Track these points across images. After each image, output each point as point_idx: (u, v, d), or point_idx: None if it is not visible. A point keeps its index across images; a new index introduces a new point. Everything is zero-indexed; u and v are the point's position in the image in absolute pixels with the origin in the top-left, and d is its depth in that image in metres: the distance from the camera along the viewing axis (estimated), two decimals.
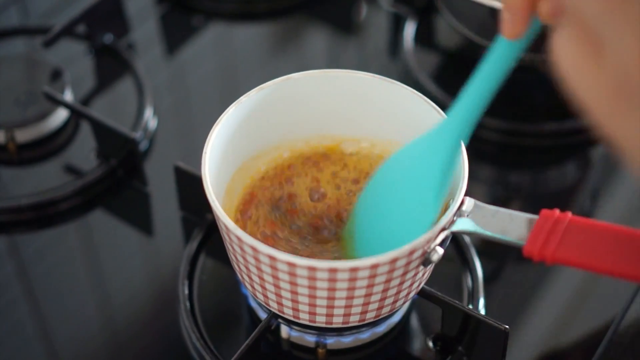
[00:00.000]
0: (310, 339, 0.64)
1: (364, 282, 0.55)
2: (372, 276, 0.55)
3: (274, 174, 0.67)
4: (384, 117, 0.66)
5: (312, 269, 0.54)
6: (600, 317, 0.68)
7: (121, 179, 0.79)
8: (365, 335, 0.65)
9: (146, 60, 0.89)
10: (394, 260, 0.54)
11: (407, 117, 0.64)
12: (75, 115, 0.82)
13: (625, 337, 0.66)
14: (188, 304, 0.67)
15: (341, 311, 0.58)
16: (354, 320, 0.59)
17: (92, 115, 0.78)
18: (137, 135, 0.79)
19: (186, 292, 0.68)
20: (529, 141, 0.82)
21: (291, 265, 0.54)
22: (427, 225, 0.57)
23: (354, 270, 0.54)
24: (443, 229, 0.56)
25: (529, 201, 0.80)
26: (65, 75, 0.83)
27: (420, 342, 0.66)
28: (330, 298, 0.56)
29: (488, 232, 0.56)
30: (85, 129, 0.81)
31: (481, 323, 0.62)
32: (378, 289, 0.56)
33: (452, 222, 0.57)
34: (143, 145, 0.81)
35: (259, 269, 0.57)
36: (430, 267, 0.60)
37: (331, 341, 0.64)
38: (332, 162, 0.68)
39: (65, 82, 0.83)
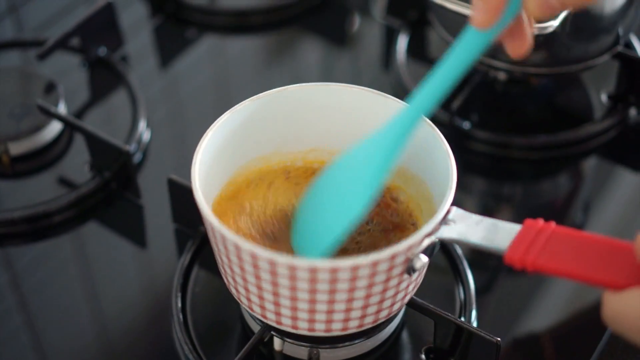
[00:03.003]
0: (303, 350, 0.64)
1: (345, 285, 0.55)
2: (353, 279, 0.55)
3: (265, 184, 0.67)
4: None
5: (292, 267, 0.54)
6: (591, 329, 0.69)
7: (115, 191, 0.79)
8: (358, 348, 0.65)
9: (140, 73, 0.90)
10: (375, 264, 0.54)
11: None
12: (69, 127, 0.82)
13: (616, 349, 0.66)
14: (181, 316, 0.68)
15: (323, 317, 0.57)
16: (336, 328, 0.59)
17: (85, 127, 0.78)
18: (131, 147, 0.79)
19: (179, 304, 0.68)
20: (521, 153, 0.83)
21: (272, 263, 0.54)
22: (363, 202, 0.58)
23: (334, 270, 0.54)
24: (427, 236, 0.56)
25: (521, 213, 0.80)
26: (59, 88, 0.83)
27: (413, 355, 0.66)
28: (312, 301, 0.56)
29: (472, 241, 0.56)
30: (79, 142, 0.82)
31: (473, 335, 0.63)
32: (360, 294, 0.56)
33: (437, 230, 0.57)
34: (137, 158, 0.81)
35: (242, 268, 0.57)
36: (417, 279, 0.60)
37: (324, 354, 0.64)
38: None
39: (59, 95, 0.83)
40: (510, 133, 0.83)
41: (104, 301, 0.72)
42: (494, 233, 0.56)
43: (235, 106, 0.64)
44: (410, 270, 0.57)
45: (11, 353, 0.68)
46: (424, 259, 0.56)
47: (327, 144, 0.68)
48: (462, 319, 0.67)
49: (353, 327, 0.59)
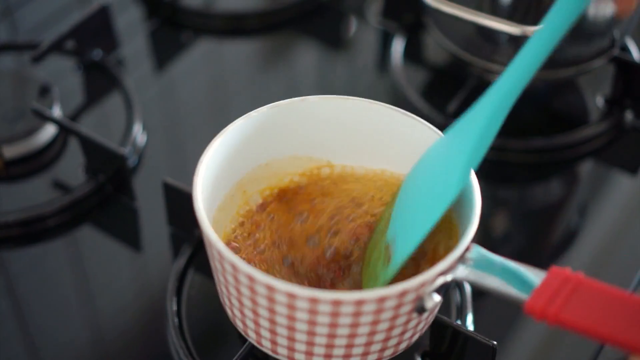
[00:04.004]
0: None
1: (348, 320, 0.52)
2: (357, 314, 0.51)
3: (272, 199, 0.65)
4: (399, 149, 0.63)
5: (291, 295, 0.51)
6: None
7: (110, 194, 0.79)
8: None
9: (135, 76, 0.90)
10: (381, 300, 0.51)
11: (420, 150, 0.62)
12: (64, 131, 0.82)
13: (612, 355, 0.66)
14: (176, 320, 0.67)
15: (322, 350, 0.54)
16: None
17: (80, 131, 0.78)
18: (126, 151, 0.79)
19: (174, 308, 0.68)
20: (516, 157, 0.83)
21: (270, 289, 0.51)
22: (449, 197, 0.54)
23: (336, 303, 0.51)
24: (442, 274, 0.52)
25: (516, 217, 0.80)
26: (53, 91, 0.83)
27: (409, 359, 0.66)
28: (310, 333, 0.53)
29: (490, 284, 0.52)
30: (74, 145, 0.81)
31: (469, 339, 0.62)
32: (363, 330, 0.53)
33: (453, 268, 0.53)
34: (132, 161, 0.81)
35: (237, 290, 0.54)
36: (427, 318, 0.57)
37: None
38: (334, 194, 0.65)
39: (53, 98, 0.83)
40: (505, 136, 0.83)
41: (99, 304, 0.72)
42: (515, 278, 0.51)
43: (252, 112, 0.61)
44: (420, 309, 0.53)
45: (5, 357, 0.68)
46: (437, 298, 0.52)
47: (338, 157, 0.65)
48: (459, 322, 0.67)
49: None
